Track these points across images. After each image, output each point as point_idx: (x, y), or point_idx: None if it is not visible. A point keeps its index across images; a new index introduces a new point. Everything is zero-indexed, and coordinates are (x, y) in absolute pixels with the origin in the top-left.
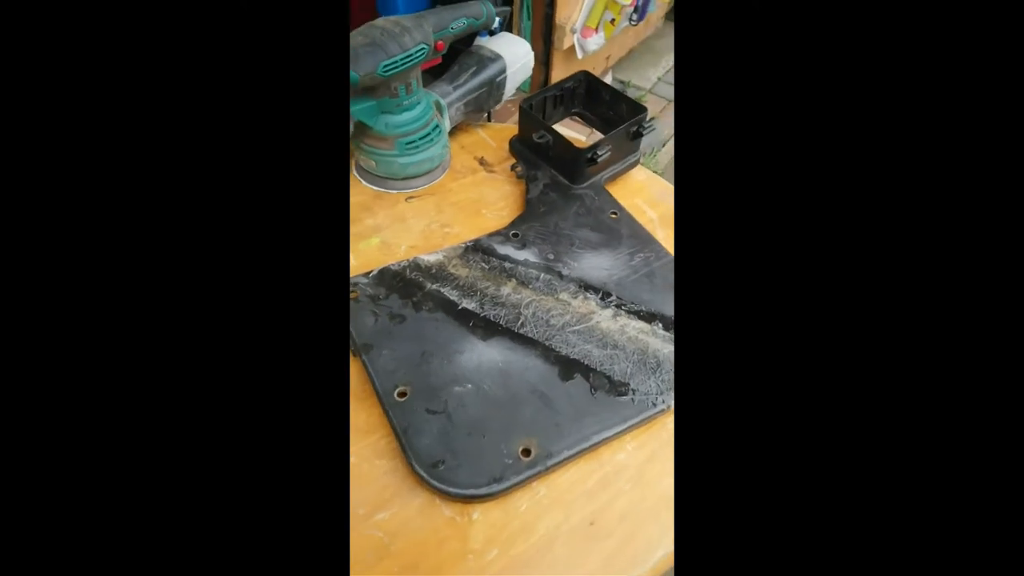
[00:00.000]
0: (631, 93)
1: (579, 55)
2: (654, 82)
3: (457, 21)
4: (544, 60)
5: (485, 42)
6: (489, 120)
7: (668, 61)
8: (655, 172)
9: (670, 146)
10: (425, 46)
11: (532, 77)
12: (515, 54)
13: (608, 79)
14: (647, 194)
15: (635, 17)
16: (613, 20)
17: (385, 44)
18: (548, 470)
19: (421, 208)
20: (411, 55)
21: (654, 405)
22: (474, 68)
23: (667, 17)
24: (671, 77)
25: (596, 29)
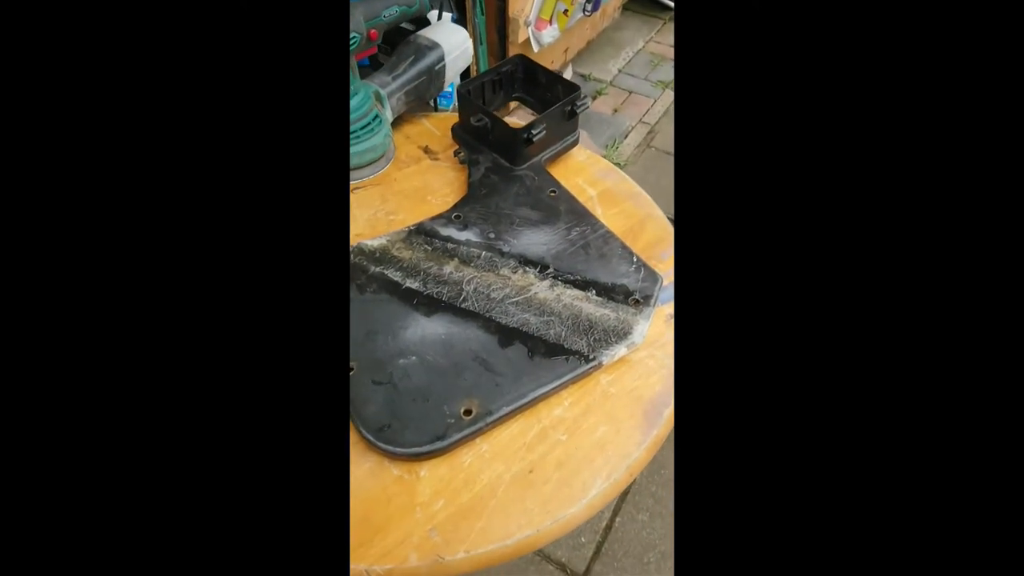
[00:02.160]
0: (592, 86)
1: (535, 48)
2: (615, 74)
3: (389, 9)
4: (500, 54)
5: (423, 31)
6: (436, 110)
7: (628, 53)
8: (618, 163)
9: (633, 137)
10: (356, 36)
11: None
12: (453, 42)
13: (568, 72)
14: (587, 173)
15: (588, 7)
16: (566, 11)
17: None
18: (489, 427)
19: (366, 198)
20: None
21: (587, 362)
22: (412, 57)
23: (624, 8)
24: (631, 69)
25: (550, 21)
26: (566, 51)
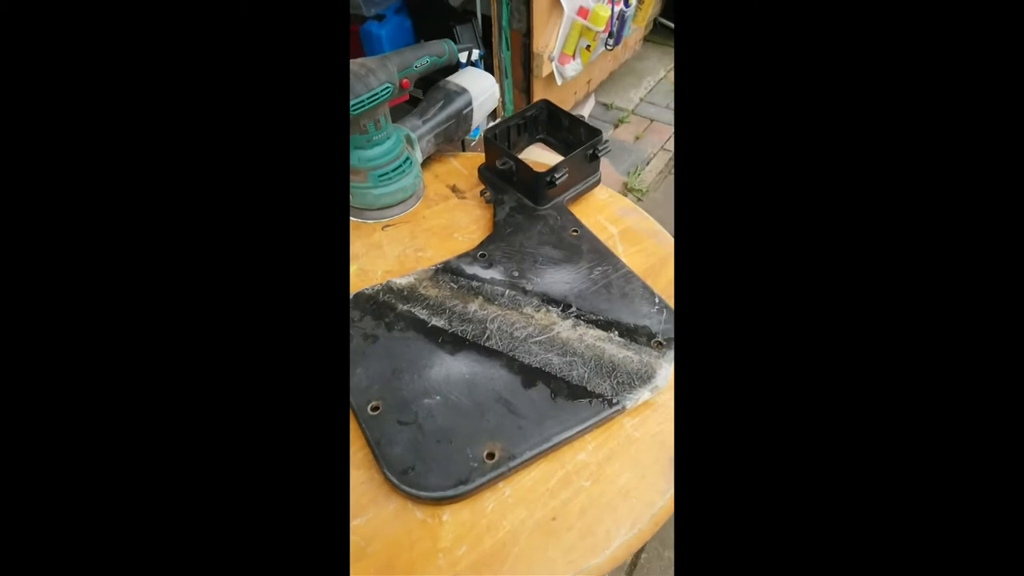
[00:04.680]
0: (614, 114)
1: (559, 81)
2: (636, 103)
3: (420, 60)
4: (524, 88)
5: (452, 77)
6: (464, 150)
7: (649, 82)
8: (639, 190)
9: (654, 164)
10: (390, 85)
11: (514, 105)
12: (480, 87)
13: (590, 102)
14: (608, 212)
15: (610, 42)
16: (588, 46)
17: (352, 85)
18: (512, 471)
19: (396, 235)
20: (376, 94)
21: (611, 405)
22: (441, 102)
23: (645, 39)
24: (653, 97)
25: (573, 56)
26: (589, 82)
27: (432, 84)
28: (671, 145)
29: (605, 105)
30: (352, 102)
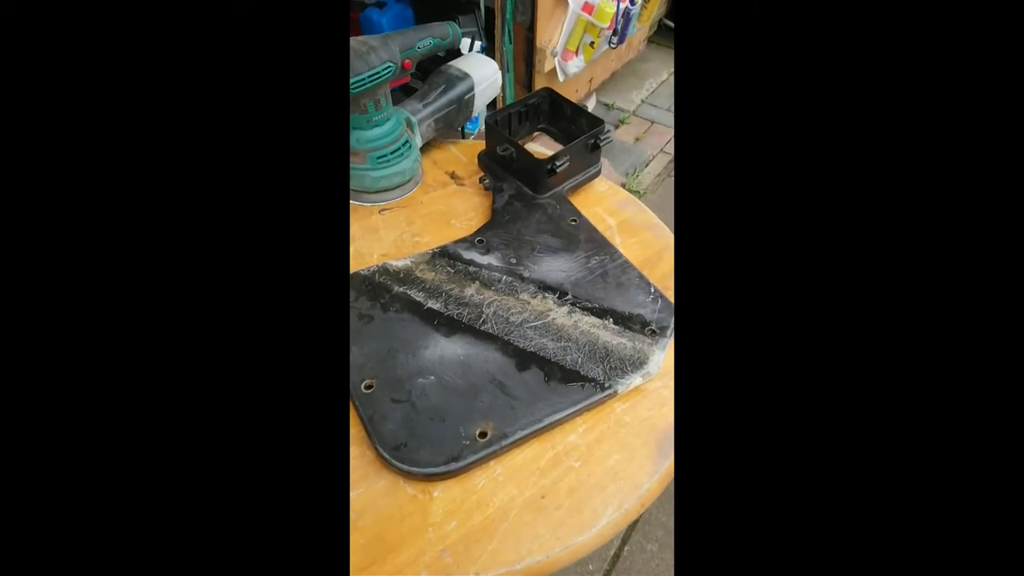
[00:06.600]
0: (615, 115)
1: (560, 77)
2: (638, 104)
3: (423, 41)
4: (526, 83)
5: (455, 62)
6: (463, 137)
7: (652, 83)
8: (638, 192)
9: (653, 166)
10: (391, 65)
11: (515, 99)
12: (483, 73)
13: (592, 101)
14: (607, 203)
15: (615, 40)
16: (592, 43)
17: (352, 63)
18: (503, 450)
19: (393, 220)
20: (377, 73)
21: (603, 389)
22: (443, 87)
23: (649, 40)
24: (655, 99)
25: (576, 52)
26: (591, 81)
27: (433, 69)
28: (671, 148)
29: (607, 105)
30: (352, 80)
